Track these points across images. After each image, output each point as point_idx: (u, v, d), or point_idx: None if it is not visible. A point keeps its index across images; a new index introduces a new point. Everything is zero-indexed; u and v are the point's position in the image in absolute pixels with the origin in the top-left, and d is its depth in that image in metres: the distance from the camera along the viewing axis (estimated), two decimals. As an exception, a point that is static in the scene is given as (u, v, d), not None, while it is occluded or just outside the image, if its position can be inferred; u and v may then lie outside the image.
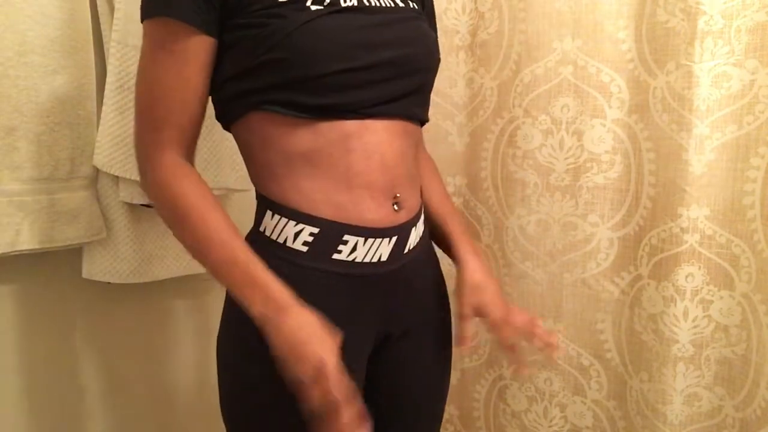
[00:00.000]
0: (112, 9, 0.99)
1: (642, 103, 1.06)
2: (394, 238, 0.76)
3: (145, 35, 0.73)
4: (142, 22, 0.73)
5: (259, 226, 0.76)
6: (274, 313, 0.65)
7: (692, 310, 1.01)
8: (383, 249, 0.75)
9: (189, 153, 0.75)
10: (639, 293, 1.08)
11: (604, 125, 1.10)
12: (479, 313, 0.83)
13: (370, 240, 0.74)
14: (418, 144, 0.84)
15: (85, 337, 1.10)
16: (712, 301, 1.00)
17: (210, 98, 0.78)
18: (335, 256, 0.73)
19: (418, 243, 0.81)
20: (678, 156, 1.00)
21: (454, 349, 0.91)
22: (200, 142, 1.08)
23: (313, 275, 0.73)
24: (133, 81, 0.99)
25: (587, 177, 1.13)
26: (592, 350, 1.17)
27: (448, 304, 0.90)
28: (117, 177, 1.01)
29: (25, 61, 0.89)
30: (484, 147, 1.26)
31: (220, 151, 1.12)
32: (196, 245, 0.71)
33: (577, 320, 1.17)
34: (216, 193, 1.13)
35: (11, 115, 0.88)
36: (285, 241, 0.73)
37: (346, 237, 0.73)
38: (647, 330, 1.07)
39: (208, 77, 0.73)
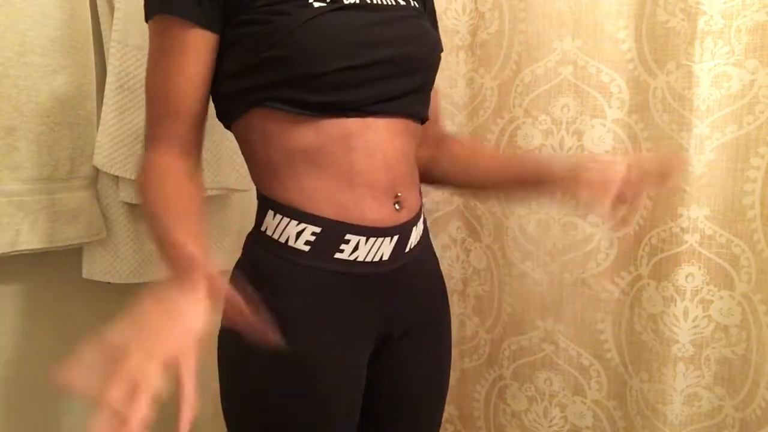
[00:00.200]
0: (112, 9, 0.99)
1: (642, 103, 1.06)
2: (396, 238, 0.76)
3: (149, 35, 0.73)
4: (146, 22, 0.73)
5: (260, 226, 0.76)
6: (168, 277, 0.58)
7: (692, 310, 1.01)
8: (385, 248, 0.75)
9: (189, 149, 0.74)
10: (639, 293, 1.08)
11: (604, 125, 1.10)
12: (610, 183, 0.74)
13: (372, 239, 0.74)
14: (418, 142, 0.84)
15: (85, 337, 1.10)
16: (712, 301, 1.00)
17: (212, 97, 0.79)
18: (337, 255, 0.73)
19: (418, 242, 0.81)
20: (678, 156, 1.00)
21: (454, 349, 0.91)
22: (200, 141, 1.09)
23: (315, 275, 0.73)
24: (133, 81, 1.00)
25: (587, 177, 1.12)
26: (592, 350, 1.17)
27: (448, 303, 0.90)
28: (117, 177, 1.01)
29: (25, 61, 0.89)
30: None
31: (220, 151, 1.12)
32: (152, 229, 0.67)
33: (577, 320, 1.17)
34: (216, 193, 1.14)
35: (11, 115, 0.88)
36: (287, 240, 0.73)
37: (348, 236, 0.73)
38: (647, 330, 1.07)
39: (210, 72, 0.73)
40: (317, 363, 0.73)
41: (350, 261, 0.73)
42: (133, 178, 1.00)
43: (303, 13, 0.68)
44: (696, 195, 0.99)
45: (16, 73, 0.88)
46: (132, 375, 0.47)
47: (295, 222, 0.73)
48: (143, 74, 1.04)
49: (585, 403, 1.19)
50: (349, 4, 0.72)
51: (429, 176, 0.91)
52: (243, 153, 0.80)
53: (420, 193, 0.84)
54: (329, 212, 0.73)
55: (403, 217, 0.77)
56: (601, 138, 1.11)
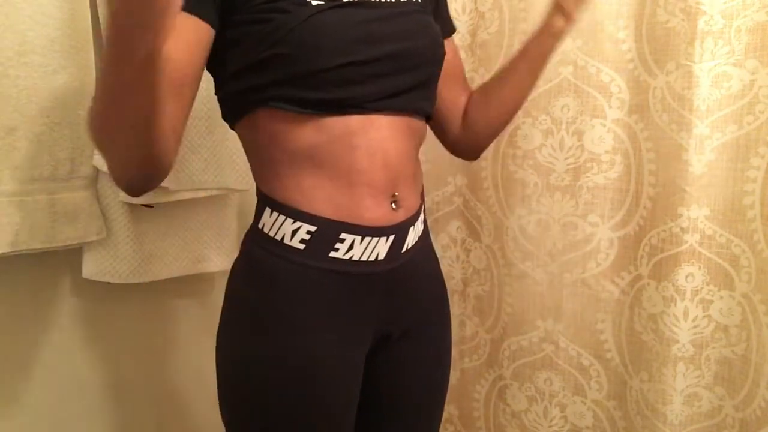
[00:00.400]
0: (112, 9, 0.99)
1: (642, 103, 1.06)
2: (392, 237, 0.76)
3: None
4: None
5: (258, 223, 0.76)
6: None
7: (692, 310, 1.01)
8: (380, 248, 0.75)
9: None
10: (639, 293, 1.08)
11: (604, 125, 1.10)
12: None
13: (367, 239, 0.74)
14: (422, 141, 0.84)
15: (85, 337, 1.10)
16: (712, 301, 1.00)
17: (216, 98, 0.79)
18: (332, 254, 0.73)
19: (416, 242, 0.81)
20: (678, 156, 1.00)
21: (454, 349, 0.91)
22: (200, 141, 1.09)
23: (310, 273, 0.73)
24: (133, 81, 1.00)
25: (587, 177, 1.13)
26: (592, 350, 1.17)
27: (448, 304, 0.90)
28: (117, 177, 1.01)
29: (25, 61, 0.89)
30: (484, 147, 1.26)
31: (220, 151, 1.12)
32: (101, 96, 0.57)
33: (577, 320, 1.17)
34: (216, 193, 1.14)
35: (11, 115, 0.88)
36: (282, 238, 0.73)
37: (343, 235, 0.73)
38: (647, 330, 1.07)
39: (195, 57, 0.70)
40: (315, 362, 0.73)
41: (345, 260, 0.73)
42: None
43: (302, 11, 0.69)
44: (696, 195, 0.99)
45: (16, 73, 0.88)
46: None
47: (291, 220, 0.73)
48: (143, 74, 1.03)
49: (585, 403, 1.19)
50: (348, 1, 0.72)
51: (476, 131, 0.94)
52: (246, 152, 0.80)
53: (421, 194, 0.84)
54: (326, 211, 0.73)
55: (400, 216, 0.77)
56: (601, 138, 1.11)
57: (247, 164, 0.81)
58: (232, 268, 0.79)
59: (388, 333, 0.80)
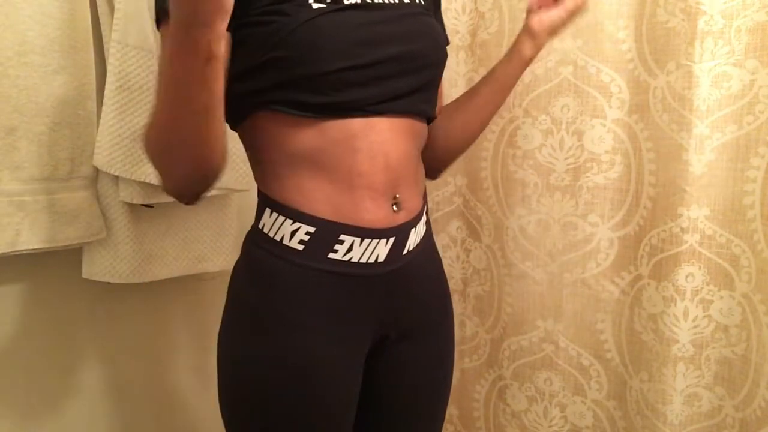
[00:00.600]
0: (112, 9, 0.99)
1: (642, 103, 1.06)
2: (392, 239, 0.76)
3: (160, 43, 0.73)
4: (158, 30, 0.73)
5: (258, 224, 0.76)
6: None
7: (692, 310, 1.01)
8: (380, 250, 0.75)
9: None
10: (639, 293, 1.08)
11: (604, 125, 1.10)
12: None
13: (367, 240, 0.74)
14: (423, 143, 0.84)
15: (85, 337, 1.10)
16: (712, 301, 1.00)
17: None
18: (331, 255, 0.73)
19: (418, 244, 0.81)
20: (678, 156, 1.00)
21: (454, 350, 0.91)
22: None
23: (310, 274, 0.73)
24: (133, 81, 1.00)
25: (587, 177, 1.13)
26: (592, 350, 1.17)
27: (451, 305, 0.90)
28: (117, 177, 1.01)
29: (25, 61, 0.89)
30: (484, 147, 1.26)
31: (220, 151, 1.12)
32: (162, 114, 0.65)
33: (577, 320, 1.17)
34: (216, 193, 1.14)
35: (11, 115, 0.88)
36: (282, 239, 0.73)
37: (342, 237, 0.73)
38: (647, 330, 1.07)
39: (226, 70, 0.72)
40: (314, 362, 0.73)
41: (344, 261, 0.73)
42: (133, 178, 1.00)
43: (302, 13, 0.69)
44: (696, 195, 0.99)
45: (16, 73, 0.88)
46: None
47: (291, 221, 0.73)
48: (143, 74, 1.04)
49: (585, 403, 1.19)
50: (350, 4, 0.72)
51: (440, 153, 0.94)
52: (247, 153, 0.80)
53: (423, 196, 0.84)
54: (326, 212, 0.73)
55: (401, 218, 0.77)
56: (601, 138, 1.11)
57: (247, 164, 0.81)
58: (234, 268, 0.79)
59: (386, 334, 0.80)
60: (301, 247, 0.73)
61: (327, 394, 0.74)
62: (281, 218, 0.73)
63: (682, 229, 1.00)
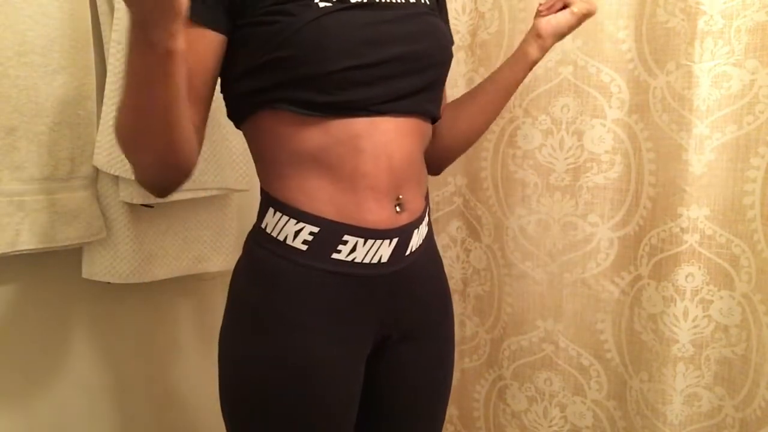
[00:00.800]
0: (112, 9, 0.99)
1: (642, 103, 1.06)
2: (395, 240, 0.76)
3: None
4: None
5: (261, 223, 0.76)
6: None
7: (692, 310, 1.01)
8: (383, 250, 0.75)
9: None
10: (639, 293, 1.08)
11: (604, 125, 1.10)
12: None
13: (370, 241, 0.74)
14: (427, 143, 0.84)
15: (85, 337, 1.10)
16: (712, 301, 1.00)
17: (222, 97, 0.79)
18: (334, 255, 0.73)
19: (420, 245, 0.81)
20: (678, 156, 1.00)
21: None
22: (200, 141, 1.09)
23: (312, 274, 0.73)
24: (133, 81, 1.00)
25: (587, 177, 1.13)
26: (592, 350, 1.17)
27: (451, 305, 0.90)
28: (117, 177, 1.01)
29: (25, 61, 0.89)
30: (484, 147, 1.26)
31: (220, 151, 1.12)
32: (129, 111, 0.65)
33: (577, 320, 1.17)
34: (216, 193, 1.14)
35: (11, 115, 0.88)
36: (285, 239, 0.73)
37: (345, 237, 0.73)
38: (647, 330, 1.07)
39: (207, 65, 0.72)
40: (315, 362, 0.73)
41: (348, 262, 0.73)
42: (133, 178, 1.00)
43: (308, 12, 0.69)
44: (696, 195, 0.99)
45: (16, 73, 0.88)
46: None
47: (294, 221, 0.73)
48: (143, 74, 1.03)
49: (585, 403, 1.19)
50: (356, 3, 0.72)
51: (441, 153, 0.94)
52: (251, 151, 0.80)
53: (426, 197, 0.84)
54: (329, 213, 0.73)
55: (404, 219, 0.77)
56: (601, 138, 1.11)
57: (247, 164, 0.82)
58: (235, 267, 0.79)
59: (388, 334, 0.80)
60: (304, 248, 0.73)
61: (327, 394, 0.74)
62: (285, 218, 0.73)
63: (682, 229, 1.00)
